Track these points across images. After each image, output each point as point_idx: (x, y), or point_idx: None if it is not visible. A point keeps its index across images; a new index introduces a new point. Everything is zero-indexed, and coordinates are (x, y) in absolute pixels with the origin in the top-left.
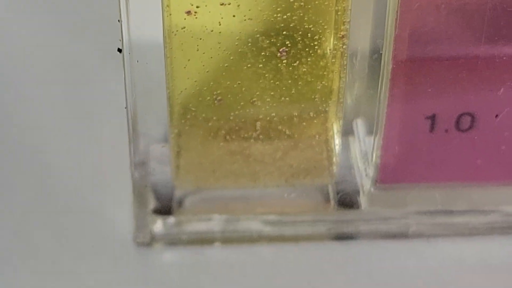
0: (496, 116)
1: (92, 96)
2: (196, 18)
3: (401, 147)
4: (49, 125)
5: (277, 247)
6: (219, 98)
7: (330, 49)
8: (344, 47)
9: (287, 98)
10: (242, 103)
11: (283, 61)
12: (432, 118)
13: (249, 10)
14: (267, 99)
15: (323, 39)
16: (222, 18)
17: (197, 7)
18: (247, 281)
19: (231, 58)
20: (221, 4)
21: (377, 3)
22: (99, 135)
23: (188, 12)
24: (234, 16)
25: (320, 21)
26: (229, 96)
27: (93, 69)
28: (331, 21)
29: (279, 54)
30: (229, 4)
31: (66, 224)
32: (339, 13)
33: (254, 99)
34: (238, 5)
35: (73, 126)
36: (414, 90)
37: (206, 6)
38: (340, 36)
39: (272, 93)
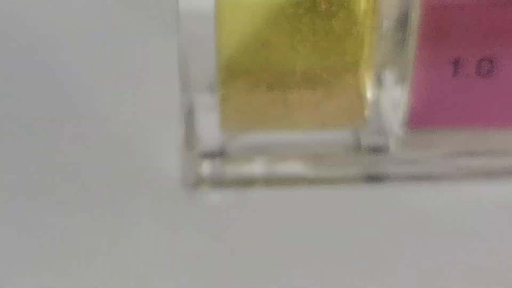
0: None
1: (144, 55)
2: None
3: (428, 91)
4: (103, 79)
5: (313, 188)
6: (262, 42)
7: (360, 13)
8: (376, 10)
9: (322, 49)
10: (283, 44)
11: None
12: (455, 63)
13: None
14: (305, 48)
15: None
16: None
17: None
18: (286, 220)
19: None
20: None
21: None
22: (150, 88)
23: None
24: None
25: None
26: (273, 39)
27: (143, 30)
28: None
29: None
30: None
31: (117, 168)
32: None
33: (299, 39)
34: None
35: (125, 80)
36: (441, 36)
37: None
38: None
39: (308, 43)
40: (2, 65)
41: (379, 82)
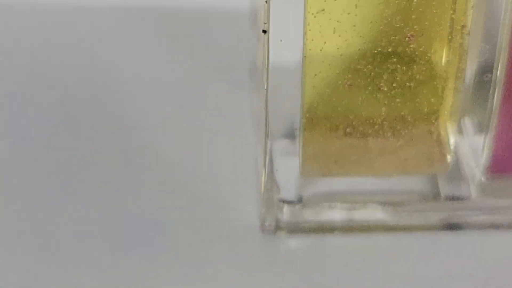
0: None
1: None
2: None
3: (510, 138)
4: (180, 129)
5: (392, 235)
6: (349, 83)
7: (442, 60)
8: (462, 59)
9: (404, 96)
10: (369, 88)
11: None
12: None
13: None
14: (386, 95)
15: (438, 50)
16: (359, 1)
17: None
18: (364, 266)
19: (363, 42)
20: None
21: None
22: (224, 138)
23: None
24: None
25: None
26: (358, 80)
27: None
28: (446, 23)
29: (407, 39)
30: None
31: (198, 216)
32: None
33: (381, 85)
34: None
35: (202, 130)
36: None
37: None
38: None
39: (390, 90)
40: (75, 113)
41: (459, 129)
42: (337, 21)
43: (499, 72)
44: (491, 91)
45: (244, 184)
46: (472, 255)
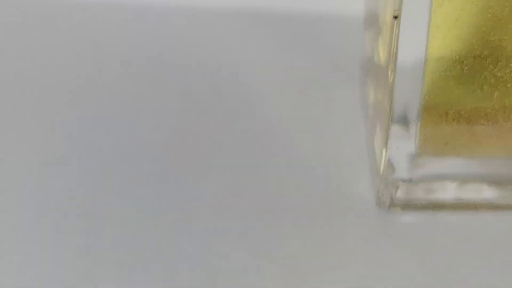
0: None
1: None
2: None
3: None
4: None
5: (499, 214)
6: (467, 65)
7: None
8: None
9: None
10: (485, 74)
11: None
12: None
13: None
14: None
15: None
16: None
17: None
18: (473, 242)
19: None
20: None
21: None
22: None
23: None
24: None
25: None
26: (477, 62)
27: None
28: None
29: None
30: None
31: (321, 193)
32: None
33: (496, 71)
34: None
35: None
36: None
37: None
38: None
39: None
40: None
41: None
42: (461, 10)
43: None
44: None
45: (358, 166)
46: None
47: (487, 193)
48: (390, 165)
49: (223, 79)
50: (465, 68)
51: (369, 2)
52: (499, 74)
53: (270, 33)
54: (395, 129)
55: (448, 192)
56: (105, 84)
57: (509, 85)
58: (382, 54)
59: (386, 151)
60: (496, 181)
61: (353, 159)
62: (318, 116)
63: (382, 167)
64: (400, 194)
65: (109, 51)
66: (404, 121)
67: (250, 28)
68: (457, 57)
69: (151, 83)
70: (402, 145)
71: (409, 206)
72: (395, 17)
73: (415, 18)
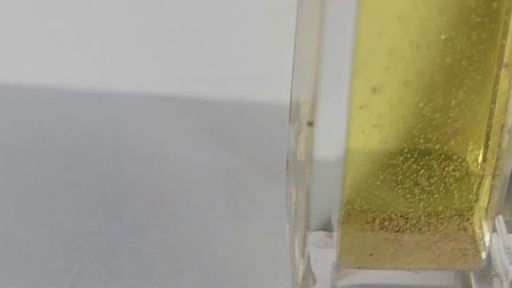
0: None
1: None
2: (381, 95)
3: None
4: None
5: None
6: (389, 177)
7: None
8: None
9: (438, 193)
10: (406, 184)
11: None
12: None
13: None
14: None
15: (474, 148)
16: (403, 98)
17: (382, 85)
18: None
19: (403, 138)
20: (403, 83)
21: None
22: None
23: (374, 90)
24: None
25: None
26: (396, 176)
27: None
28: (485, 121)
29: (447, 136)
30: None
31: None
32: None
33: (418, 181)
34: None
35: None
36: None
37: (389, 84)
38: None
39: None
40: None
41: (494, 226)
42: (379, 116)
43: None
44: None
45: (279, 275)
46: None
47: None
48: (309, 276)
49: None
50: (390, 171)
51: (294, 93)
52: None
53: (195, 121)
54: (315, 236)
55: None
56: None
57: (433, 196)
58: (302, 151)
59: (303, 260)
60: None
61: (274, 267)
62: (240, 217)
63: (300, 278)
64: None
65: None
66: (324, 227)
67: (175, 114)
68: (381, 159)
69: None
70: (323, 255)
71: None
72: (310, 124)
73: (332, 122)
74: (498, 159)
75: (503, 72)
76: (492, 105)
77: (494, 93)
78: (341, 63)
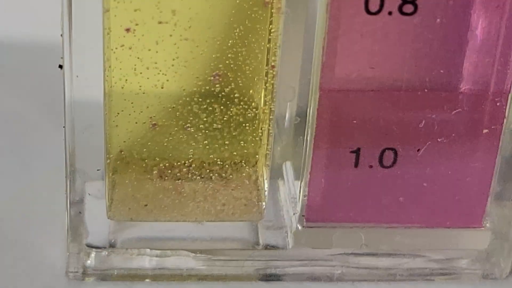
0: (418, 150)
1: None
2: (135, 36)
3: (326, 183)
4: None
5: (206, 285)
6: (153, 122)
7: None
8: (273, 100)
9: (219, 139)
10: (176, 129)
11: (219, 104)
12: (357, 152)
13: (185, 30)
14: (200, 137)
15: (254, 94)
16: (159, 37)
17: (136, 24)
18: None
19: (167, 80)
20: (159, 23)
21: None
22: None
23: (127, 30)
24: (171, 35)
25: (251, 76)
26: (163, 120)
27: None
28: (262, 76)
29: (212, 79)
30: (167, 23)
31: (4, 258)
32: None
33: (188, 125)
34: (175, 24)
35: (12, 170)
36: (340, 122)
37: (144, 24)
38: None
39: (204, 133)
40: None
41: (280, 174)
42: (138, 58)
43: (311, 116)
44: (305, 137)
45: (56, 228)
46: None
47: (192, 262)
48: (83, 229)
49: None
50: (170, 116)
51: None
52: (193, 129)
53: None
54: (91, 186)
55: (149, 261)
56: None
57: (210, 142)
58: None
59: (69, 212)
60: (201, 250)
61: (52, 219)
62: (17, 164)
63: (66, 231)
64: (94, 262)
65: None
66: (101, 177)
67: None
68: (159, 103)
69: None
70: (96, 206)
71: (104, 276)
72: (60, 67)
73: (89, 64)
74: (271, 102)
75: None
76: (268, 45)
77: (270, 33)
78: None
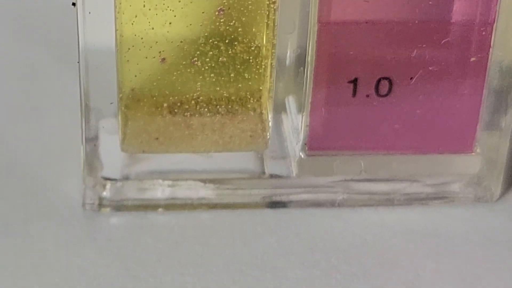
0: (411, 79)
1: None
2: None
3: (327, 112)
4: (7, 110)
5: (215, 213)
6: (162, 57)
7: (263, 41)
8: (275, 36)
9: (226, 78)
10: (183, 63)
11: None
12: (354, 82)
13: None
14: (207, 73)
15: (257, 31)
16: None
17: None
18: (184, 243)
19: (174, 16)
20: None
21: None
22: (52, 118)
23: None
24: None
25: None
26: (172, 55)
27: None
28: (264, 12)
29: (216, 13)
30: None
31: (23, 194)
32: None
33: (195, 59)
34: None
35: (28, 114)
36: (337, 53)
37: None
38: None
39: (210, 69)
40: None
41: (283, 108)
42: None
43: (310, 48)
44: (305, 70)
45: (70, 161)
46: (293, 233)
47: (202, 191)
48: (98, 163)
49: None
50: (177, 54)
51: None
52: (199, 64)
53: None
54: (104, 122)
55: (161, 191)
56: None
57: (216, 77)
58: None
59: (84, 146)
60: (210, 179)
61: (68, 154)
62: (32, 107)
63: (82, 164)
64: (109, 194)
65: None
66: (114, 113)
67: None
68: (167, 42)
69: None
70: (110, 140)
71: (120, 206)
72: (73, 4)
73: (97, 2)
74: (273, 37)
75: None
76: None
77: None
78: None
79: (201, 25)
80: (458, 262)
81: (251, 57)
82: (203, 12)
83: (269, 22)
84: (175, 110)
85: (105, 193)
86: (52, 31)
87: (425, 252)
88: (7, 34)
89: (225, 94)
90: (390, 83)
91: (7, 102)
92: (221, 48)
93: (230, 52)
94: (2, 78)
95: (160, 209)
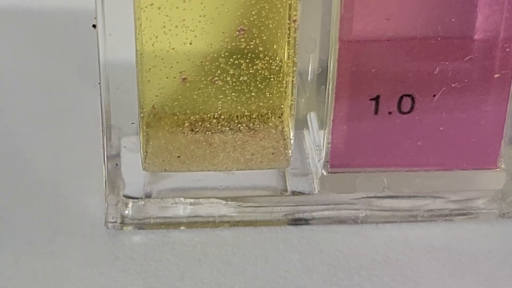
0: (434, 96)
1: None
2: None
3: (349, 130)
4: (30, 127)
5: (237, 230)
6: (183, 77)
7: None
8: (296, 54)
9: (247, 95)
10: (204, 83)
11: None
12: (376, 100)
13: None
14: (228, 91)
15: (278, 48)
16: None
17: None
18: (206, 260)
19: (195, 36)
20: None
21: None
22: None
23: None
24: None
25: (275, 30)
26: (193, 75)
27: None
28: (284, 30)
29: (237, 33)
30: None
31: (46, 211)
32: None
33: (215, 78)
34: None
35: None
36: (359, 71)
37: None
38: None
39: (232, 86)
40: None
41: (305, 125)
42: (167, 16)
43: (332, 66)
44: (327, 87)
45: (91, 179)
46: (316, 250)
47: (224, 209)
48: (120, 181)
49: None
50: (199, 72)
51: None
52: (221, 83)
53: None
54: (126, 140)
55: (183, 209)
56: None
57: (238, 95)
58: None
59: (106, 165)
60: (232, 197)
61: (90, 172)
62: (56, 124)
63: (104, 183)
64: (131, 212)
65: None
66: (135, 132)
67: None
68: (188, 60)
69: None
70: (132, 159)
71: (141, 224)
72: (94, 26)
73: (118, 23)
74: (294, 55)
75: None
76: (290, 1)
77: None
78: None
79: (221, 45)
80: (482, 279)
81: (272, 75)
82: (223, 32)
83: (290, 39)
84: (197, 128)
85: (127, 212)
86: (76, 47)
87: (448, 269)
88: (31, 51)
89: (246, 112)
90: (413, 100)
91: (31, 119)
92: (242, 66)
93: (251, 69)
94: (26, 95)
95: (182, 227)
